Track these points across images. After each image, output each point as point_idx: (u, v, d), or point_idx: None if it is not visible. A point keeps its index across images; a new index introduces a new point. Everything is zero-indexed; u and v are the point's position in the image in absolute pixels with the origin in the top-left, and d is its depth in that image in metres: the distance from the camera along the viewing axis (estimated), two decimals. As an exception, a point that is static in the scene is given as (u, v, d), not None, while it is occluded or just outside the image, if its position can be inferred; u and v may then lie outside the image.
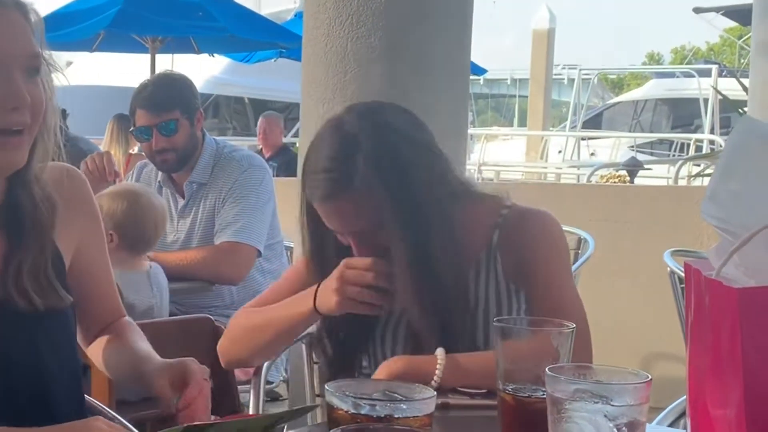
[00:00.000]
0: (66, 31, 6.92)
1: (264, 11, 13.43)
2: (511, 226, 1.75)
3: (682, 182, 9.63)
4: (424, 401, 1.17)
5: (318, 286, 1.74)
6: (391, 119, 1.73)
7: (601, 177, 10.07)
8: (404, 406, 1.15)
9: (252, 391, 1.93)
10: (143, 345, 1.54)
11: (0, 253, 1.40)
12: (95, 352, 1.58)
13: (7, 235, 1.41)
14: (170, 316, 2.83)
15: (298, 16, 9.11)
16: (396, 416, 1.14)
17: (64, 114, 3.72)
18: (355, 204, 1.68)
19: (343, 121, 1.72)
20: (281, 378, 3.04)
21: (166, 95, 3.13)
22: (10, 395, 1.36)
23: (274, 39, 8.07)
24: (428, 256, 1.69)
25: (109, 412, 1.54)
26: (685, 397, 1.05)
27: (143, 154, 3.25)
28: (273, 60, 9.38)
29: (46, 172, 1.44)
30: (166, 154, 3.14)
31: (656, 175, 11.37)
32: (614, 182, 9.34)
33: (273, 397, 3.75)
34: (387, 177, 1.67)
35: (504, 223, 1.76)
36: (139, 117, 3.14)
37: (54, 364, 1.42)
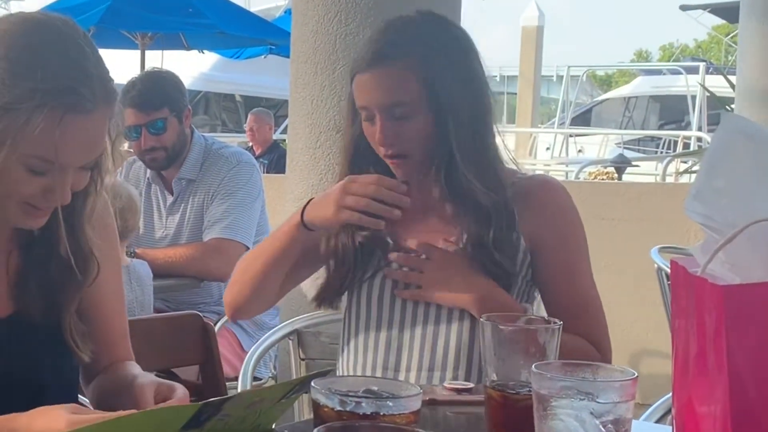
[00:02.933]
0: (55, 27, 6.90)
1: (253, 8, 13.40)
2: (526, 187, 1.77)
3: (669, 179, 9.65)
4: (410, 398, 1.17)
5: (308, 202, 1.73)
6: (462, 29, 1.78)
7: (590, 174, 10.08)
8: (390, 404, 1.15)
9: (239, 388, 1.93)
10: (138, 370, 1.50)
11: (14, 270, 1.41)
12: (94, 392, 1.53)
13: (23, 254, 1.42)
14: (159, 312, 2.83)
15: (288, 12, 9.09)
16: (382, 413, 1.14)
17: None
18: (401, 76, 1.67)
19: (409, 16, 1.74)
20: (269, 374, 3.03)
21: (155, 94, 3.12)
22: (9, 408, 1.36)
23: (264, 36, 8.07)
24: (462, 165, 1.69)
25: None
26: (671, 393, 1.06)
27: (131, 151, 3.24)
28: (262, 57, 9.37)
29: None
30: (155, 153, 3.13)
31: (644, 172, 11.38)
32: (602, 179, 9.35)
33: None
34: (446, 63, 1.67)
35: (519, 183, 1.78)
36: (128, 116, 3.13)
37: (53, 380, 1.42)
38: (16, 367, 1.38)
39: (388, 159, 1.73)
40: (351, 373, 1.78)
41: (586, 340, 1.71)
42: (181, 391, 1.34)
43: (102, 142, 1.33)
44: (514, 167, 1.84)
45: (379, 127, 1.70)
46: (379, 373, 1.75)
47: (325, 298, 1.85)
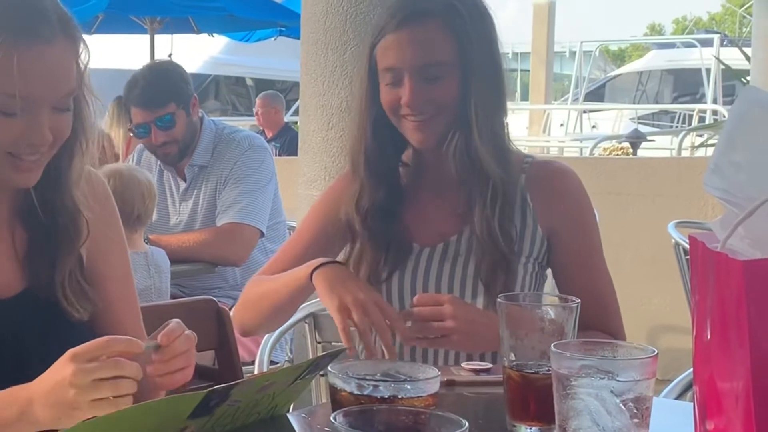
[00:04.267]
0: (64, 14, 6.89)
1: (263, -10, 13.34)
2: (539, 174, 1.77)
3: (685, 153, 9.59)
4: (428, 381, 1.16)
5: (320, 265, 1.69)
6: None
7: (604, 150, 10.02)
8: (408, 387, 1.15)
9: (256, 371, 1.93)
10: None
11: (21, 246, 1.41)
12: None
13: (27, 230, 1.42)
14: (173, 298, 2.82)
15: (298, -6, 9.04)
16: (400, 397, 1.13)
17: None
18: (438, 34, 1.64)
19: None
20: (286, 358, 3.03)
21: (159, 90, 3.10)
22: (18, 381, 1.36)
23: (274, 18, 8.02)
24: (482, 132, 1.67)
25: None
26: (691, 369, 1.05)
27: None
28: (272, 39, 9.33)
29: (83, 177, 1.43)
30: (167, 147, 3.13)
31: (659, 146, 11.32)
32: (617, 155, 9.30)
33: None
34: (478, 28, 1.66)
35: (530, 169, 1.77)
36: (135, 115, 3.12)
37: (62, 352, 1.41)
38: (29, 345, 1.38)
39: (409, 120, 1.69)
40: None
41: (602, 331, 1.70)
42: (174, 322, 1.33)
43: (68, 78, 1.33)
44: (517, 149, 1.83)
45: (409, 89, 1.65)
46: None
47: None
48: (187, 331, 1.30)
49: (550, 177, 1.77)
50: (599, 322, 1.71)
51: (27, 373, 1.37)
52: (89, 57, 1.37)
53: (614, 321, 1.76)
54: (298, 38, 2.85)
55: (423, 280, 1.76)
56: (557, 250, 1.76)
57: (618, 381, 1.03)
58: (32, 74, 1.28)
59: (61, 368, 1.19)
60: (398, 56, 1.66)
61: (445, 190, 1.78)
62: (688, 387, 1.65)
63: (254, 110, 8.40)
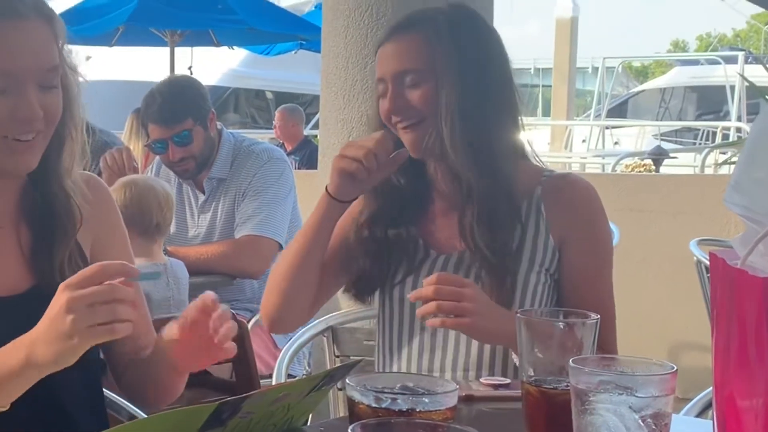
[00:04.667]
0: (85, 25, 6.94)
1: (283, 3, 13.38)
2: (555, 185, 1.79)
3: (708, 170, 9.54)
4: (446, 395, 1.15)
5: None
6: (487, 21, 1.82)
7: (626, 166, 9.98)
8: (426, 400, 1.14)
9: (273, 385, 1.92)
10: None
11: (26, 244, 1.42)
12: (125, 385, 1.53)
13: (31, 227, 1.43)
14: (192, 310, 2.82)
15: (318, 7, 9.08)
16: (418, 410, 1.13)
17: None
18: (411, 45, 1.73)
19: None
20: (303, 372, 3.03)
21: (176, 106, 3.10)
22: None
23: (294, 31, 8.06)
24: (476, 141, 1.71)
25: (132, 408, 1.54)
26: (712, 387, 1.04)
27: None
28: (293, 52, 9.37)
29: (76, 170, 1.45)
30: (185, 164, 3.14)
31: (682, 163, 11.26)
32: (639, 171, 9.26)
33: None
34: (462, 42, 1.72)
35: (547, 181, 1.79)
36: (152, 131, 3.13)
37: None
38: None
39: (398, 126, 1.75)
40: None
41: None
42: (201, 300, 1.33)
43: (48, 52, 1.35)
44: (540, 164, 1.85)
45: (389, 94, 1.74)
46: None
47: (356, 290, 1.84)
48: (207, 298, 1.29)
49: (564, 188, 1.79)
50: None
51: None
52: (65, 36, 1.40)
53: (609, 342, 1.75)
54: (319, 51, 2.85)
55: None
56: (565, 259, 1.77)
57: (637, 397, 1.02)
58: (10, 48, 1.32)
59: (57, 299, 1.18)
60: (382, 67, 1.76)
61: (455, 201, 1.79)
62: (709, 405, 1.63)
63: (273, 123, 8.43)
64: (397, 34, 1.76)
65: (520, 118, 1.80)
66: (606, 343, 1.73)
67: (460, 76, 1.71)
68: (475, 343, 1.74)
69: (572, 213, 1.77)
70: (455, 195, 1.77)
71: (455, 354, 1.76)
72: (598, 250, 1.78)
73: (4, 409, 1.25)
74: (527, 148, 1.84)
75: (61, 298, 1.18)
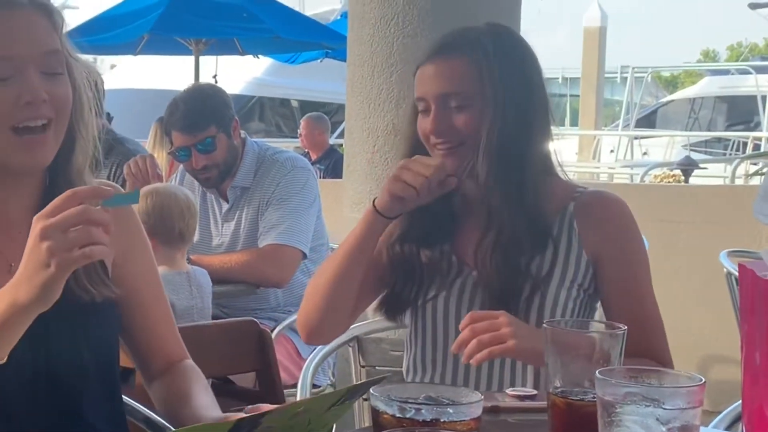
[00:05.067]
0: (110, 34, 6.97)
1: (308, 12, 13.42)
2: (587, 201, 1.78)
3: (738, 181, 9.46)
4: (471, 405, 1.15)
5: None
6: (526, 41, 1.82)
7: (655, 177, 9.93)
8: (450, 410, 1.13)
9: (298, 395, 1.92)
10: (204, 400, 1.48)
11: None
12: (158, 395, 1.53)
13: None
14: (215, 319, 2.83)
15: (344, 16, 9.09)
16: (442, 420, 1.12)
17: (108, 117, 3.73)
18: (459, 67, 1.72)
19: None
20: (328, 382, 3.02)
21: (200, 113, 3.10)
22: (51, 386, 1.37)
23: (320, 39, 8.06)
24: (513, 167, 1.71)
25: (152, 416, 1.54)
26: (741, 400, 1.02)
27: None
28: (318, 61, 9.38)
29: (89, 174, 1.45)
30: (208, 171, 3.13)
31: (712, 174, 11.18)
32: (668, 182, 9.20)
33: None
34: (507, 65, 1.73)
35: (580, 198, 1.79)
36: (176, 138, 3.13)
37: (92, 358, 1.42)
38: (56, 344, 1.39)
39: (438, 149, 1.75)
40: None
41: (649, 359, 1.69)
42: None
43: (46, 37, 1.36)
44: (570, 180, 1.85)
45: (432, 116, 1.74)
46: None
47: (387, 307, 1.84)
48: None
49: (596, 204, 1.79)
50: (646, 350, 1.70)
51: (60, 368, 1.37)
52: (64, 25, 1.40)
53: (661, 349, 1.75)
54: (345, 60, 2.85)
55: (468, 302, 1.77)
56: (602, 276, 1.77)
57: (664, 409, 1.01)
58: (5, 34, 1.33)
59: (32, 231, 1.18)
60: (424, 87, 1.75)
61: (483, 218, 1.78)
62: (738, 418, 1.61)
63: (299, 132, 8.44)
64: (442, 55, 1.75)
65: (552, 134, 1.81)
66: (658, 352, 1.73)
67: (506, 101, 1.72)
68: (507, 361, 1.73)
69: (605, 228, 1.77)
70: (484, 213, 1.77)
71: (489, 371, 1.75)
72: (634, 263, 1.78)
73: (2, 362, 1.24)
74: (556, 163, 1.82)
75: (35, 228, 1.17)
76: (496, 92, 1.71)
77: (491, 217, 1.73)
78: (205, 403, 1.45)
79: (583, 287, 1.76)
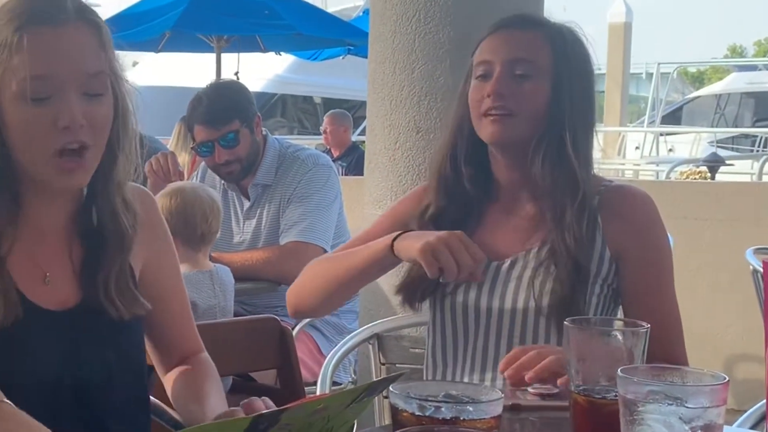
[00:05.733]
0: (132, 31, 6.96)
1: (330, 9, 13.39)
2: (611, 196, 1.77)
3: (765, 178, 9.37)
4: (491, 403, 1.14)
5: (403, 232, 1.72)
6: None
7: (681, 173, 9.85)
8: (470, 408, 1.12)
9: (318, 392, 1.92)
10: (213, 398, 1.49)
11: (78, 260, 1.43)
12: (169, 384, 1.56)
13: (85, 244, 1.43)
14: (236, 316, 2.83)
15: (366, 13, 9.07)
16: (462, 418, 1.11)
17: None
18: (534, 38, 1.74)
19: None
20: (349, 379, 3.02)
21: (223, 108, 3.10)
22: (79, 395, 1.38)
23: (342, 36, 8.04)
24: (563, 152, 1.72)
25: (173, 415, 1.54)
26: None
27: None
28: (340, 57, 9.36)
29: (128, 185, 1.45)
30: (230, 166, 3.13)
31: (739, 171, 11.09)
32: (694, 179, 9.13)
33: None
34: (576, 52, 1.76)
35: (605, 192, 1.78)
36: (198, 133, 3.13)
37: (121, 367, 1.43)
38: (85, 357, 1.40)
39: (490, 114, 1.72)
40: None
41: (664, 360, 1.66)
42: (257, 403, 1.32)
43: (88, 59, 1.33)
44: (598, 175, 1.83)
45: (496, 77, 1.72)
46: None
47: (407, 293, 1.82)
48: None
49: (621, 199, 1.77)
50: (661, 350, 1.66)
51: (87, 382, 1.38)
52: (111, 42, 1.38)
53: (677, 349, 1.73)
54: (367, 57, 2.84)
55: (488, 294, 1.75)
56: (624, 272, 1.75)
57: (687, 407, 1.00)
58: (45, 54, 1.30)
59: None
60: (493, 50, 1.75)
61: (515, 206, 1.78)
62: (764, 417, 1.59)
63: (322, 128, 8.42)
64: (517, 26, 1.77)
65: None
66: (674, 354, 1.70)
67: (573, 85, 1.73)
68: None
69: (629, 224, 1.75)
70: (517, 198, 1.78)
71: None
72: (657, 261, 1.76)
73: None
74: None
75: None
76: (563, 72, 1.73)
77: (566, 196, 1.72)
78: (213, 402, 1.46)
79: (607, 282, 1.74)
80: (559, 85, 1.72)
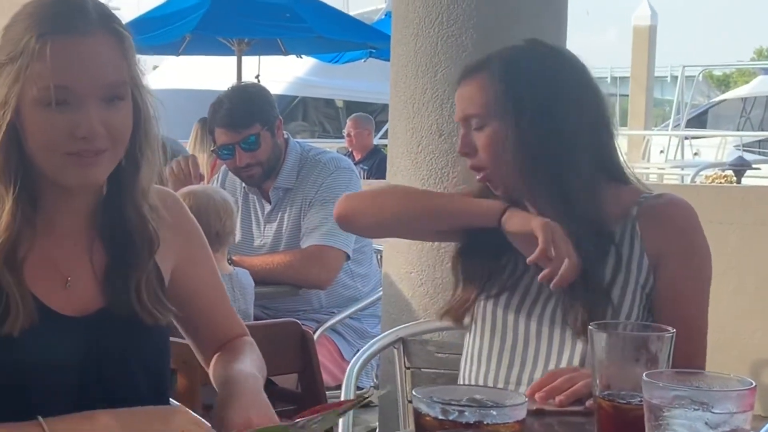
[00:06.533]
0: (152, 34, 6.98)
1: (352, 11, 13.40)
2: (651, 204, 1.76)
3: (793, 182, 9.27)
4: (515, 408, 1.13)
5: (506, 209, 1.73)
6: (562, 52, 1.81)
7: (707, 177, 9.79)
8: (494, 413, 1.12)
9: (342, 397, 1.92)
10: (240, 362, 1.51)
11: (99, 265, 1.43)
12: (211, 371, 1.57)
13: (106, 248, 1.43)
14: (257, 320, 2.83)
15: (388, 15, 9.08)
16: (485, 422, 1.11)
17: None
18: (474, 89, 1.73)
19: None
20: (371, 384, 3.01)
21: (244, 111, 3.11)
22: (100, 400, 1.38)
23: (364, 39, 8.04)
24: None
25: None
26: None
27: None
28: (362, 60, 9.36)
29: (153, 191, 1.45)
30: (251, 169, 3.14)
31: (765, 174, 10.99)
32: (720, 183, 9.06)
33: (364, 403, 3.71)
34: (515, 81, 1.71)
35: (645, 202, 1.76)
36: (219, 136, 3.14)
37: (143, 373, 1.44)
38: (111, 360, 1.40)
39: (477, 177, 1.77)
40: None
41: (682, 365, 1.64)
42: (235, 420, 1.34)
43: (110, 68, 1.33)
44: (638, 185, 1.81)
45: (459, 139, 1.77)
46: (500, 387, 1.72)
47: (455, 317, 1.83)
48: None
49: (660, 206, 1.76)
50: (682, 359, 1.64)
51: (110, 388, 1.39)
52: (134, 51, 1.38)
53: (697, 360, 1.71)
54: (389, 60, 2.84)
55: (530, 303, 1.75)
56: (662, 277, 1.73)
57: (713, 413, 0.99)
58: (68, 64, 1.30)
59: None
60: (457, 110, 1.79)
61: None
62: (793, 423, 1.57)
63: (345, 131, 8.42)
64: (464, 78, 1.79)
65: (614, 140, 1.79)
66: (693, 365, 1.67)
67: (521, 117, 1.70)
68: (564, 362, 1.71)
69: (668, 231, 1.74)
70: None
71: (544, 371, 1.72)
72: (695, 269, 1.75)
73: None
74: (623, 167, 1.81)
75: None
76: (506, 109, 1.71)
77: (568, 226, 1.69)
78: (237, 365, 1.48)
79: (645, 290, 1.74)
80: (508, 121, 1.70)
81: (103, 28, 1.34)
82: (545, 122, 1.70)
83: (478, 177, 1.77)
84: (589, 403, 1.44)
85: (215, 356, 1.56)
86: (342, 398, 1.91)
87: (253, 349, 1.58)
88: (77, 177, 1.35)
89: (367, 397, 1.16)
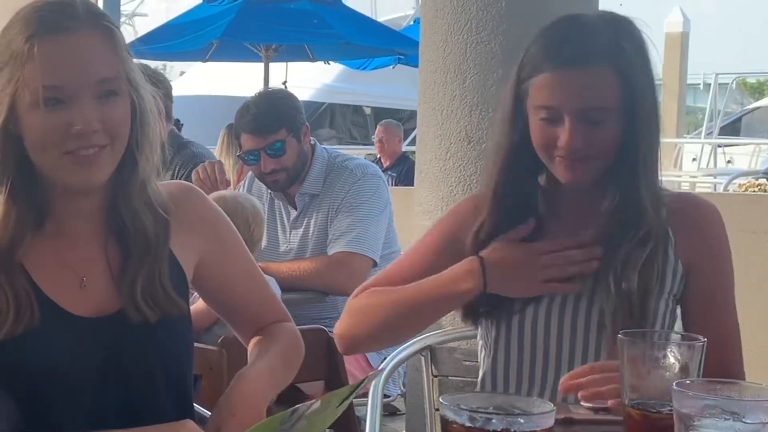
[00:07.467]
0: (179, 41, 7.02)
1: (381, 18, 13.36)
2: (680, 207, 1.71)
3: (827, 190, 9.15)
4: (543, 415, 1.12)
5: (482, 267, 1.67)
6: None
7: (740, 186, 9.69)
8: (522, 420, 1.11)
9: (369, 405, 1.91)
10: (264, 354, 1.52)
11: (115, 265, 1.43)
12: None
13: (119, 247, 1.43)
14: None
15: (416, 22, 9.05)
16: (513, 430, 1.09)
17: (177, 124, 3.77)
18: (604, 80, 1.59)
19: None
20: (398, 392, 3.00)
21: (270, 117, 3.11)
22: (121, 403, 1.38)
23: (392, 45, 8.02)
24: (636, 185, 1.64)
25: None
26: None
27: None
28: (391, 67, 9.34)
29: (157, 185, 1.45)
30: (276, 175, 3.13)
31: (799, 183, 10.84)
32: (753, 191, 8.96)
33: (390, 411, 3.72)
34: (643, 73, 1.63)
35: (671, 204, 1.71)
36: (245, 141, 3.14)
37: (163, 374, 1.43)
38: (129, 361, 1.40)
39: (565, 160, 1.65)
40: None
41: (721, 376, 1.61)
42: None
43: (100, 64, 1.34)
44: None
45: (569, 131, 1.61)
46: None
47: (467, 312, 1.78)
48: None
49: (691, 210, 1.72)
50: (719, 364, 1.61)
51: (130, 390, 1.39)
52: (125, 45, 1.39)
53: (735, 365, 1.69)
54: (417, 66, 2.83)
55: (558, 316, 1.71)
56: (691, 285, 1.70)
57: (744, 423, 0.98)
58: (57, 63, 1.32)
59: None
60: (559, 96, 1.62)
61: (581, 228, 1.71)
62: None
63: (374, 138, 8.42)
64: (578, 63, 1.60)
65: None
66: (732, 369, 1.66)
67: (646, 111, 1.63)
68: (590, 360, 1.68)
69: (699, 236, 1.71)
70: (583, 220, 1.70)
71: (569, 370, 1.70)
72: (725, 272, 1.72)
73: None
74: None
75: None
76: (639, 104, 1.62)
77: (611, 236, 1.66)
78: (259, 365, 1.49)
79: (675, 297, 1.71)
80: (633, 118, 1.62)
81: (90, 24, 1.35)
82: (654, 116, 1.65)
83: (569, 166, 1.64)
84: (611, 402, 1.42)
85: (252, 341, 1.57)
86: (369, 407, 1.91)
87: (285, 339, 1.58)
88: (78, 176, 1.35)
89: (363, 384, 1.14)
